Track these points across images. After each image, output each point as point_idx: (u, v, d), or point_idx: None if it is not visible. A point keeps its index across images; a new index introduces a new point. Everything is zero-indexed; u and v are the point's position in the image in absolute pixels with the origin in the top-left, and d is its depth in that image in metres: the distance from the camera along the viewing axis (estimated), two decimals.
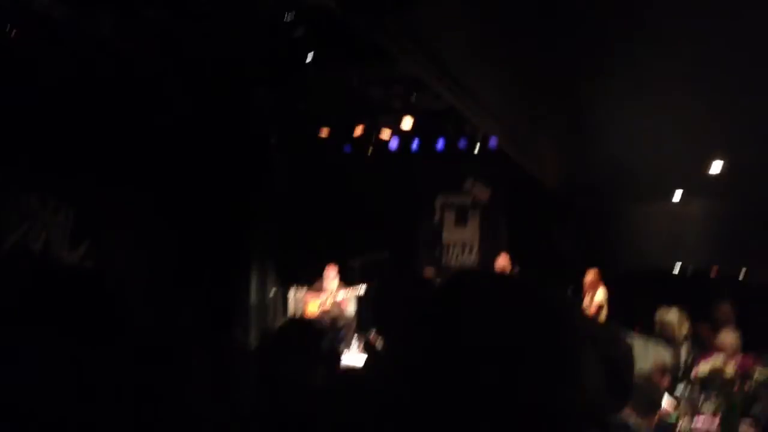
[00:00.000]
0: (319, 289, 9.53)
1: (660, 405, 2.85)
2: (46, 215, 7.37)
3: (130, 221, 8.28)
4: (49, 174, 7.33)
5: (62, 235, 7.49)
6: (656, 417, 2.48)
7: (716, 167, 6.91)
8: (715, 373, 4.48)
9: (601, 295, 8.42)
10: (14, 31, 6.50)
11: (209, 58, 7.67)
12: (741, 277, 8.71)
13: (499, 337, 0.72)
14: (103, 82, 7.39)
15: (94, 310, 1.90)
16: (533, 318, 0.74)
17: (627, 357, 2.13)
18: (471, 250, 11.42)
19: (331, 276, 9.55)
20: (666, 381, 2.61)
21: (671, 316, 5.60)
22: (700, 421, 3.94)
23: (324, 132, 10.80)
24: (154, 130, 8.32)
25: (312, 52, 7.97)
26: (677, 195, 9.26)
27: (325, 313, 9.40)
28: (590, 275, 8.52)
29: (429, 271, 9.46)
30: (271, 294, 10.70)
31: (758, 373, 4.52)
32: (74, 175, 7.50)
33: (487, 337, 0.72)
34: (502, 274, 0.88)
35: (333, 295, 9.46)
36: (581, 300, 8.50)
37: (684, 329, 5.59)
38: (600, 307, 8.32)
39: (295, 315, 9.70)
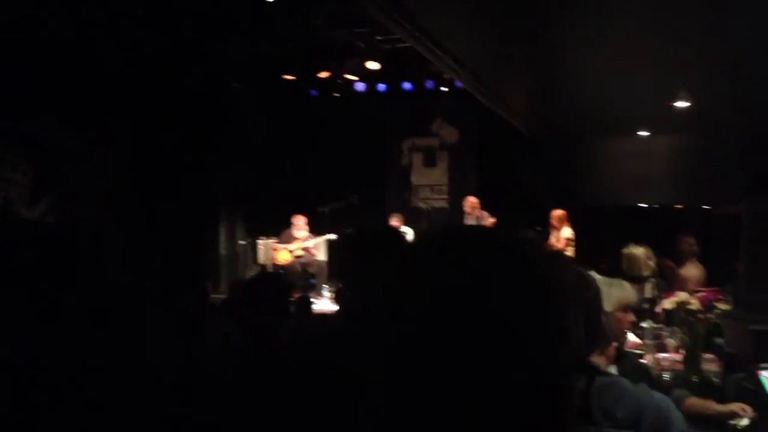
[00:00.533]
0: (289, 238, 9.51)
1: (624, 343, 2.90)
2: (6, 173, 7.18)
3: (93, 176, 8.12)
4: (6, 131, 7.11)
5: (21, 193, 7.32)
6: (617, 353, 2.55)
7: (681, 104, 6.95)
8: (680, 308, 4.58)
9: (568, 232, 8.55)
10: None
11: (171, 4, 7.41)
12: (705, 213, 8.86)
13: (480, 297, 0.69)
14: (64, 33, 7.11)
15: (59, 265, 1.86)
16: (516, 274, 0.72)
17: (596, 300, 2.16)
18: (440, 192, 11.45)
19: (300, 224, 9.53)
20: (630, 318, 2.67)
21: (638, 251, 5.69)
22: (664, 356, 4.04)
23: (289, 76, 10.59)
24: (117, 80, 8.09)
25: None
26: (643, 132, 9.32)
27: (296, 259, 9.41)
28: (557, 212, 8.64)
29: (397, 219, 9.47)
30: (241, 243, 10.66)
31: (721, 307, 4.63)
32: (32, 130, 7.30)
33: (467, 296, 0.69)
34: (478, 229, 0.86)
35: (303, 243, 9.46)
36: (548, 237, 8.64)
37: (650, 265, 5.69)
38: (568, 242, 8.46)
39: (265, 265, 9.68)
